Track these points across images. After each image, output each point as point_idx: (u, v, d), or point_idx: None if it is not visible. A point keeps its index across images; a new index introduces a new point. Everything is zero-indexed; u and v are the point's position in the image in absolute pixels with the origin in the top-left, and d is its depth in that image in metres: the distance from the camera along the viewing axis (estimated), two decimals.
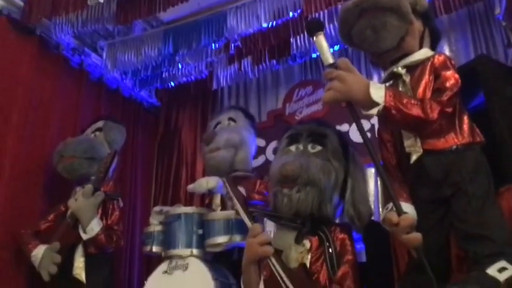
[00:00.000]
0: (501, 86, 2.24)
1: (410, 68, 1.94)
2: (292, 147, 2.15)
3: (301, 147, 2.13)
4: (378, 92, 1.65)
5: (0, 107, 3.04)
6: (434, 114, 1.70)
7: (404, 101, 1.68)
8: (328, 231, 2.00)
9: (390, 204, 1.74)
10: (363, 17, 1.88)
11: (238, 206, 1.97)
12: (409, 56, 1.95)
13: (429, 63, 1.90)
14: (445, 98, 1.75)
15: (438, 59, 1.89)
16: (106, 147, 3.17)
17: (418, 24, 1.98)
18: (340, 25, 1.99)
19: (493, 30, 3.48)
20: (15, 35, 3.25)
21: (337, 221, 2.16)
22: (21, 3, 3.31)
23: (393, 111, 1.65)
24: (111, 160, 2.84)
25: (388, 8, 1.86)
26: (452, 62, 1.91)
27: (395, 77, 1.99)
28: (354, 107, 1.67)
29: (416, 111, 1.68)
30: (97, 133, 3.27)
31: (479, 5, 3.57)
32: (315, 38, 1.66)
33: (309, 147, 2.11)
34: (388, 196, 1.77)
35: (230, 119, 3.17)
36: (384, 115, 1.67)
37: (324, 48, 1.64)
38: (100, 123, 3.32)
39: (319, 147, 2.10)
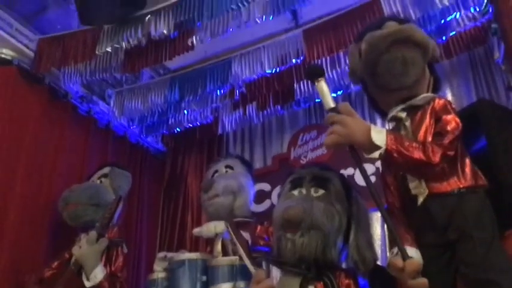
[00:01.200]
0: (503, 129, 2.24)
1: (411, 112, 1.96)
2: (295, 192, 2.16)
3: (304, 191, 2.14)
4: (379, 135, 1.66)
5: (8, 154, 3.08)
6: (436, 158, 1.70)
7: (406, 144, 1.69)
8: (333, 276, 1.98)
9: (396, 249, 1.72)
10: (394, 47, 1.88)
11: (242, 251, 1.97)
12: (414, 98, 1.96)
13: (429, 108, 1.91)
14: (446, 141, 1.75)
15: (438, 103, 1.91)
16: (111, 194, 3.19)
17: (426, 71, 2.02)
18: (368, 51, 1.95)
19: (494, 74, 3.52)
20: (25, 84, 3.33)
21: (343, 265, 2.14)
22: (31, 54, 3.42)
23: (395, 155, 1.66)
24: (115, 206, 2.85)
25: (418, 45, 1.90)
26: (453, 105, 1.93)
27: (397, 120, 2.00)
28: (357, 151, 1.68)
29: (418, 154, 1.69)
30: (103, 179, 3.29)
31: (479, 50, 3.63)
32: (316, 83, 1.69)
33: (312, 191, 2.12)
34: (393, 240, 1.75)
35: (227, 166, 3.21)
36: (386, 158, 1.68)
37: (325, 93, 1.67)
38: (106, 170, 3.35)
39: (322, 191, 2.11)
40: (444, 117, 1.85)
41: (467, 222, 1.74)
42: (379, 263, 3.28)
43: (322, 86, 1.67)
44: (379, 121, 3.86)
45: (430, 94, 1.98)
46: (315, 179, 2.16)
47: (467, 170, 1.84)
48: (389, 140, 1.66)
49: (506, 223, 1.96)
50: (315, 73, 1.72)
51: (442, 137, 1.77)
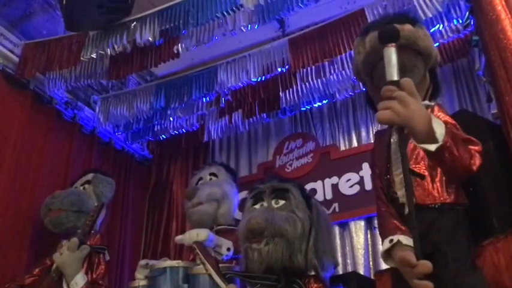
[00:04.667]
0: (481, 139, 2.26)
1: None
2: (257, 206, 2.23)
3: (265, 204, 2.21)
4: (439, 128, 1.52)
5: None
6: (475, 167, 1.63)
7: (459, 144, 1.58)
8: (303, 283, 2.00)
9: (395, 237, 1.72)
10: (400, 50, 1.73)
11: (211, 270, 2.01)
12: None
13: None
14: (479, 148, 1.69)
15: (436, 115, 1.86)
16: (94, 200, 3.17)
17: (427, 77, 1.99)
18: (368, 52, 1.90)
19: (477, 85, 3.58)
20: (9, 89, 3.32)
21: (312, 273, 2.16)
22: (16, 59, 3.40)
23: (446, 154, 1.54)
24: (97, 213, 2.84)
25: (421, 52, 1.86)
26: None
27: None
28: (405, 134, 1.51)
29: (466, 160, 1.60)
30: (86, 186, 3.27)
31: (462, 61, 3.69)
32: (385, 48, 1.49)
33: (273, 202, 2.19)
34: (388, 231, 1.76)
35: (212, 174, 3.23)
36: (436, 154, 1.54)
37: (393, 62, 1.47)
38: (89, 176, 3.33)
39: (282, 202, 2.18)
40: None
41: (442, 239, 1.73)
42: (361, 271, 3.34)
43: (392, 52, 1.47)
44: (363, 130, 3.90)
45: (426, 102, 1.94)
46: (274, 191, 2.23)
47: (452, 184, 1.81)
48: (447, 136, 1.52)
49: (483, 233, 2.00)
50: (389, 36, 1.51)
51: (473, 143, 1.70)
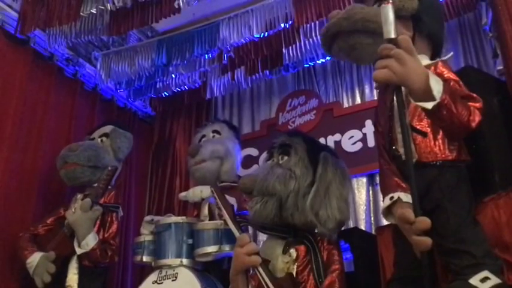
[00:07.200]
0: (486, 96, 2.25)
1: None
2: (269, 161, 2.23)
3: (275, 159, 2.21)
4: (437, 86, 1.49)
5: None
6: (474, 124, 1.61)
7: (458, 102, 1.56)
8: (314, 240, 2.02)
9: (395, 194, 1.74)
10: (335, 41, 1.86)
11: (226, 216, 1.99)
12: None
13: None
14: (479, 105, 1.67)
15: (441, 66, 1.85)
16: (111, 155, 3.17)
17: (405, 31, 1.89)
18: (322, 46, 1.99)
19: (483, 41, 3.52)
20: (9, 46, 3.27)
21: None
22: (16, 15, 3.34)
23: (444, 111, 1.51)
24: (112, 175, 2.83)
25: (354, 31, 1.83)
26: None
27: None
28: (402, 93, 1.49)
29: (465, 117, 1.57)
30: (103, 139, 3.24)
31: (469, 16, 3.62)
32: (382, 5, 1.47)
33: (279, 158, 2.18)
34: (388, 188, 1.78)
35: (214, 131, 3.24)
36: (434, 112, 1.51)
37: (389, 19, 1.44)
38: (107, 129, 3.30)
39: (285, 158, 2.17)
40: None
41: (443, 195, 1.74)
42: (362, 226, 3.39)
43: (388, 10, 1.44)
44: (367, 87, 3.88)
45: (422, 57, 1.85)
46: (281, 146, 2.22)
47: (455, 142, 1.81)
48: (445, 93, 1.49)
49: (485, 189, 2.01)
50: None
51: (474, 100, 1.67)
